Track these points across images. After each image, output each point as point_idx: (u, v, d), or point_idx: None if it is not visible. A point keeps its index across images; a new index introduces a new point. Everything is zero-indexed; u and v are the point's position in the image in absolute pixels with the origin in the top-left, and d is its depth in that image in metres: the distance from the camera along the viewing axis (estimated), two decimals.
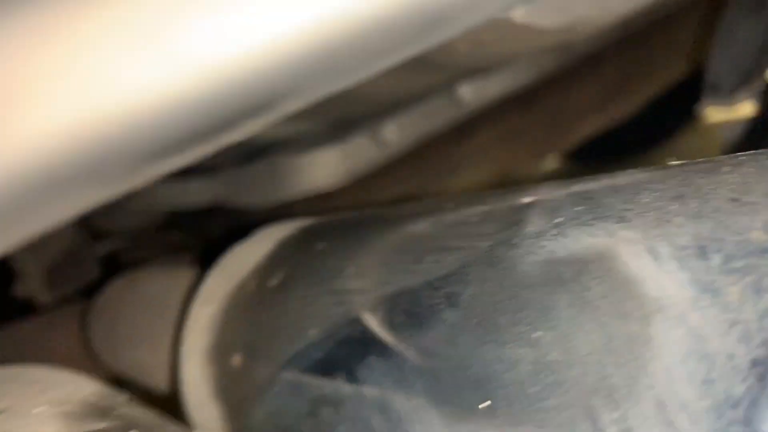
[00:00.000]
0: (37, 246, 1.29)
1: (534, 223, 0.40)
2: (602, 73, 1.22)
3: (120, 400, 0.50)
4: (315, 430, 0.49)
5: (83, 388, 0.53)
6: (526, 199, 0.43)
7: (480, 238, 0.42)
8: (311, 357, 0.50)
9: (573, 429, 0.32)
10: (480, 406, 0.36)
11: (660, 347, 0.30)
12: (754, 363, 0.27)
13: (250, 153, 1.27)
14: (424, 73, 1.00)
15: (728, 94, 0.78)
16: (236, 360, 0.58)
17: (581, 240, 0.36)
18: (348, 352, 0.47)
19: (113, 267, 1.29)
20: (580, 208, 0.38)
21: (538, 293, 0.36)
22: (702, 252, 0.31)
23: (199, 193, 1.24)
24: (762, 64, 0.67)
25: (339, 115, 1.18)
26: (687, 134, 1.48)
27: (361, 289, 0.48)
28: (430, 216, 0.50)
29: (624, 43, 1.20)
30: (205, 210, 1.30)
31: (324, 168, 1.09)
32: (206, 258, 0.72)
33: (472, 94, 1.11)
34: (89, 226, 1.39)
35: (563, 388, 0.33)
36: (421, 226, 0.49)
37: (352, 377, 0.46)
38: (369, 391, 0.44)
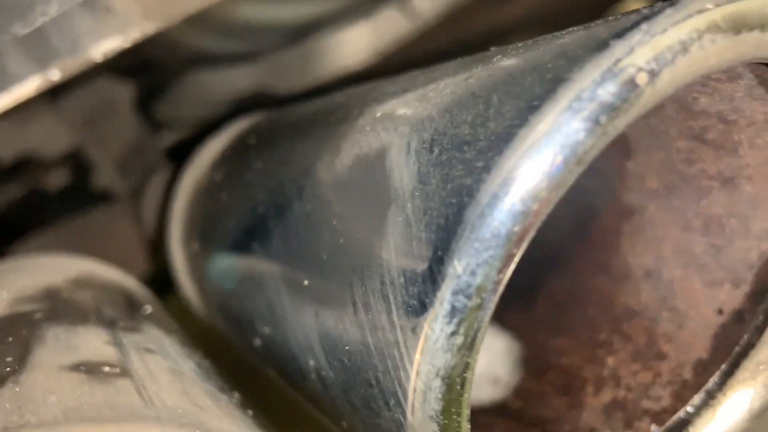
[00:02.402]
0: (104, 137, 1.41)
1: (368, 112, 0.43)
2: None
3: (79, 284, 0.59)
4: (239, 305, 0.56)
5: (61, 273, 0.63)
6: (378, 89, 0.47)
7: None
8: (230, 239, 0.57)
9: (342, 298, 0.37)
10: (305, 283, 0.42)
11: (388, 235, 0.34)
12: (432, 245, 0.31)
13: (285, 37, 1.29)
14: None
15: None
16: (194, 246, 0.66)
17: (380, 135, 0.40)
18: (248, 234, 0.53)
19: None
20: (394, 101, 0.42)
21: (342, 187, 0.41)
22: (431, 146, 0.34)
23: (241, 80, 1.28)
24: None
25: None
26: None
27: (261, 182, 0.54)
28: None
29: None
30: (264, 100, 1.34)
31: (352, 46, 1.05)
32: None
33: None
34: (150, 117, 1.49)
35: (340, 269, 0.38)
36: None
37: (250, 255, 0.53)
38: (259, 265, 0.51)
